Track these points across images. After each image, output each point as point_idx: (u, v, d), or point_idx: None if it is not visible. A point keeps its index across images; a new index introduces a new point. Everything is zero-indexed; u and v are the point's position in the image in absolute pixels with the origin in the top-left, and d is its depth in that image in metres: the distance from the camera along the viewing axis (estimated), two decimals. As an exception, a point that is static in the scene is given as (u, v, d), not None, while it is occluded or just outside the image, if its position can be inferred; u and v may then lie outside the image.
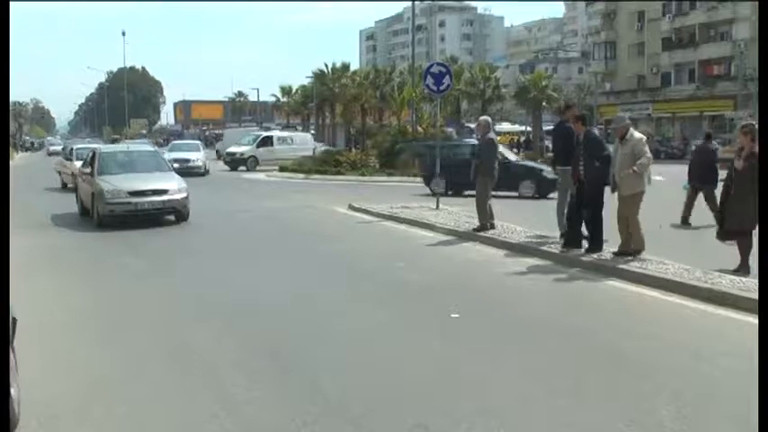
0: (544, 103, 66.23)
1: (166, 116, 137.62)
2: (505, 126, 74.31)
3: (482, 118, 15.47)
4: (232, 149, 41.53)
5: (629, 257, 10.32)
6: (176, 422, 5.25)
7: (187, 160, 33.58)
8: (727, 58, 58.78)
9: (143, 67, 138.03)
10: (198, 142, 44.18)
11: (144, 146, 26.77)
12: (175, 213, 16.30)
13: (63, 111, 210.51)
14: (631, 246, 10.53)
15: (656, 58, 66.51)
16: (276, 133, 45.19)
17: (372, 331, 7.53)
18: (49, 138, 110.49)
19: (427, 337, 7.31)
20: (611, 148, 11.24)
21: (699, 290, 8.69)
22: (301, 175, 32.40)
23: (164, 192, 16.01)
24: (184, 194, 16.27)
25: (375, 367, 6.36)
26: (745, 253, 9.70)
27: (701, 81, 61.26)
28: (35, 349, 6.48)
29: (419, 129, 32.42)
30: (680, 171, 17.90)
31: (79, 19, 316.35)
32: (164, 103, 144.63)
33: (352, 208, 18.74)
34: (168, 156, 27.23)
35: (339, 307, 8.54)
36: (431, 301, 8.80)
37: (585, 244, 11.06)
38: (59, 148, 64.08)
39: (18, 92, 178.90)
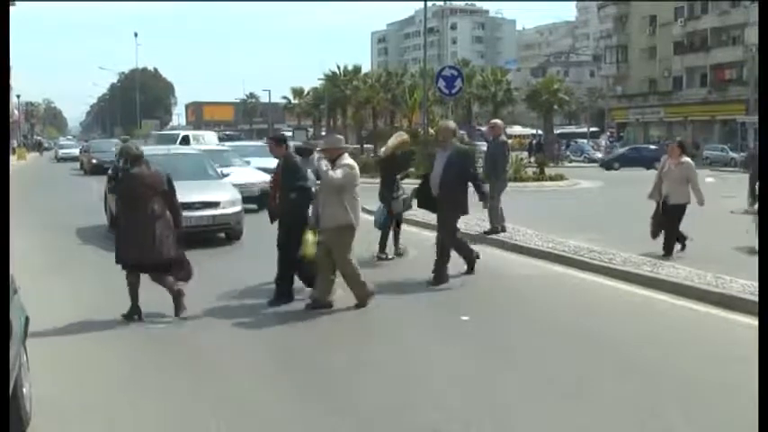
0: (555, 107, 66.15)
1: (178, 117, 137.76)
2: (517, 129, 74.38)
3: (494, 121, 15.48)
4: (152, 150, 37.94)
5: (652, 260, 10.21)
6: (182, 420, 5.29)
7: None
8: (739, 62, 58.42)
9: (155, 68, 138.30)
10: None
11: (187, 148, 21.52)
12: (227, 231, 13.50)
13: (75, 111, 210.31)
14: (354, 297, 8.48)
15: (668, 61, 66.27)
16: (192, 132, 40.05)
17: (380, 332, 7.54)
18: (60, 138, 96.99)
19: (437, 339, 7.31)
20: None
21: (709, 294, 8.67)
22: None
23: (214, 204, 13.20)
24: (238, 208, 13.51)
25: (384, 369, 6.37)
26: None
27: (713, 85, 60.99)
28: (46, 347, 6.52)
29: (431, 131, 32.46)
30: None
31: (92, 19, 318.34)
32: (175, 104, 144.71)
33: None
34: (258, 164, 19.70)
35: (345, 308, 8.53)
36: (440, 303, 8.81)
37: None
38: (75, 151, 51.41)
39: (30, 92, 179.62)
